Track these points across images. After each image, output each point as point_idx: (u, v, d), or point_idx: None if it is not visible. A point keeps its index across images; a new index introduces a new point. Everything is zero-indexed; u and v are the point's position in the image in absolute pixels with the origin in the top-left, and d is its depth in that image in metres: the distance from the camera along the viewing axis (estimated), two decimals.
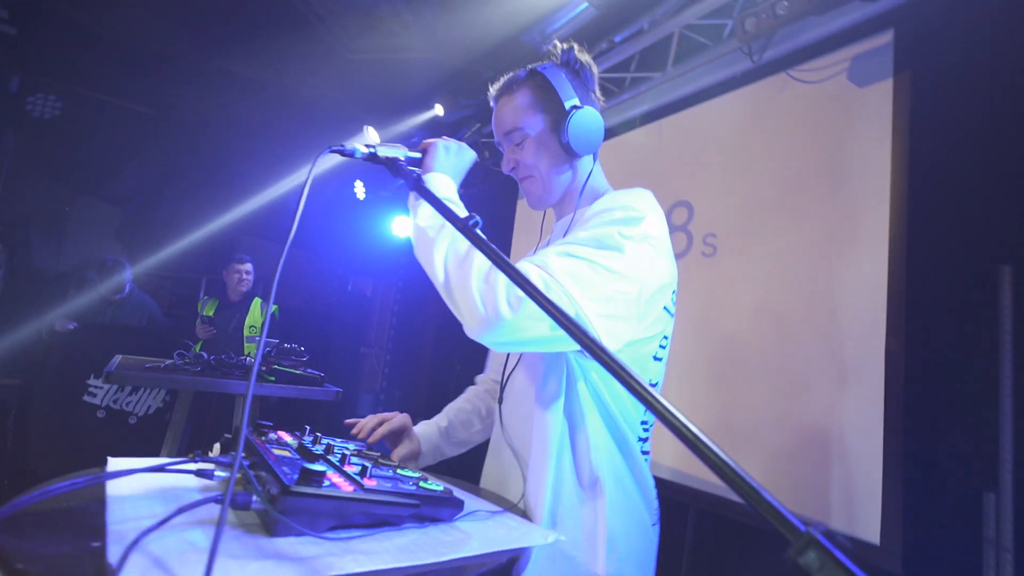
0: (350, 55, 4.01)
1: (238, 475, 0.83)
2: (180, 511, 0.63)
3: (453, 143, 1.03)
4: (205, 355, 2.42)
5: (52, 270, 5.24)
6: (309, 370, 2.42)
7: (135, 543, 0.54)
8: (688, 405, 2.34)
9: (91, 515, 0.68)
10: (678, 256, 2.55)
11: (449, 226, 0.90)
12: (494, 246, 0.69)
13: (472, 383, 1.36)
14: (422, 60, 3.81)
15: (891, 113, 1.98)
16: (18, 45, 3.39)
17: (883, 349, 1.86)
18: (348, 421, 1.20)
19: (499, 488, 1.02)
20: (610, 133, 3.07)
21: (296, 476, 0.69)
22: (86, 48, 3.68)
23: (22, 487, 0.68)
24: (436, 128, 3.62)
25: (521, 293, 0.76)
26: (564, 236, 1.01)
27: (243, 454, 0.86)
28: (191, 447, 1.56)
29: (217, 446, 1.03)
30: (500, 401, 1.09)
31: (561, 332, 0.80)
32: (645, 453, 0.99)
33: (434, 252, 0.89)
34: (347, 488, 0.71)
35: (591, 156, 1.10)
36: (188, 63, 3.97)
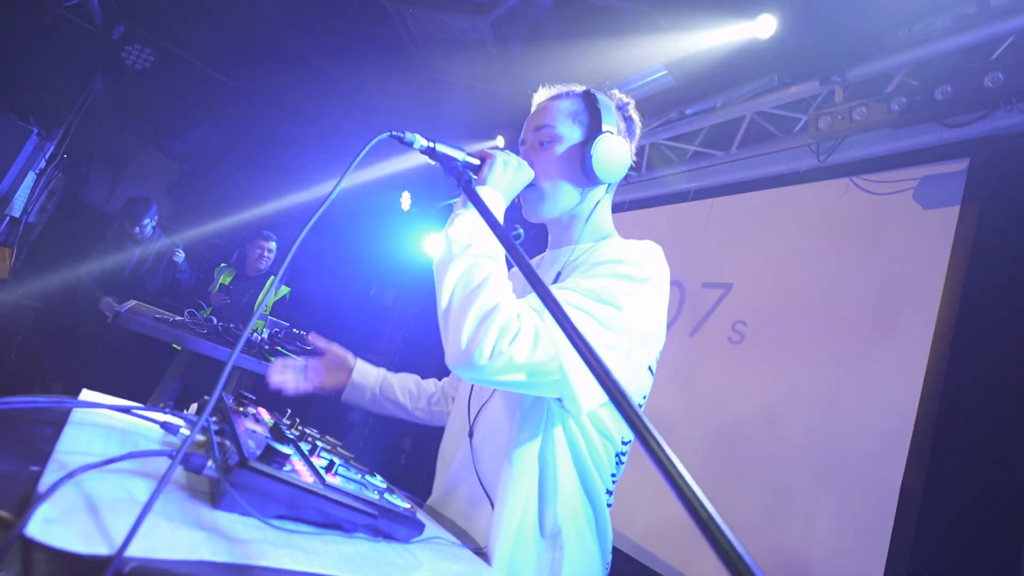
0: (429, 73, 4.15)
1: (202, 439, 0.79)
2: (129, 456, 0.59)
3: (513, 158, 1.00)
4: (215, 320, 2.43)
5: (101, 209, 5.42)
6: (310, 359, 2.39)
7: (70, 475, 0.51)
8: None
9: (44, 439, 0.65)
10: (704, 337, 2.48)
11: (472, 250, 0.88)
12: (540, 279, 0.65)
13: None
14: (495, 92, 3.92)
15: (952, 242, 1.91)
16: (136, 4, 3.61)
17: (899, 482, 1.74)
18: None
19: (464, 519, 0.96)
20: (660, 200, 3.06)
21: (259, 452, 0.65)
22: (190, 11, 3.91)
23: None
24: None
25: (505, 347, 0.78)
26: (561, 271, 1.02)
27: (214, 419, 0.83)
28: (177, 407, 1.53)
29: (194, 406, 1.00)
30: (471, 434, 1.02)
31: (538, 380, 0.81)
32: (609, 505, 0.96)
33: (449, 269, 0.87)
34: (307, 478, 0.66)
35: (604, 189, 1.08)
36: (277, 46, 4.17)
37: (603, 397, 0.86)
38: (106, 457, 0.61)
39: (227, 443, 0.71)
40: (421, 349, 5.22)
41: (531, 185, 1.03)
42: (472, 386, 1.07)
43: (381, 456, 5.07)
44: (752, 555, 0.39)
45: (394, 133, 0.91)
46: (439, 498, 1.06)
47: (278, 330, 2.59)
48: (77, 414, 0.74)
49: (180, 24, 4.05)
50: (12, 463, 0.57)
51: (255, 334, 2.57)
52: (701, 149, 2.69)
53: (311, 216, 0.85)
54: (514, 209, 1.06)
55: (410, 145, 0.93)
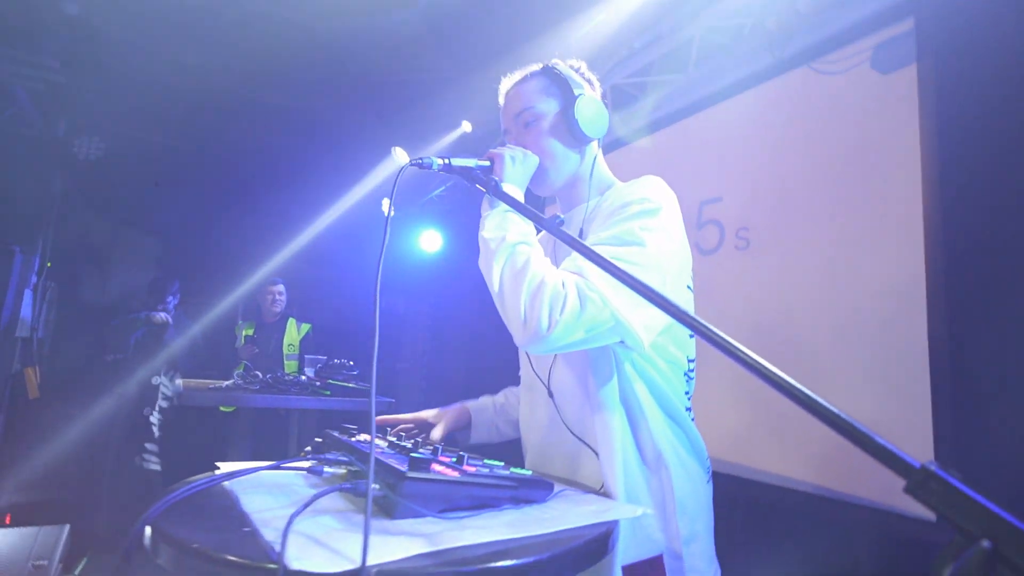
0: (372, 78, 4.15)
1: (343, 471, 0.90)
2: (315, 498, 0.70)
3: (518, 151, 1.08)
4: (259, 374, 2.53)
5: (100, 302, 5.47)
6: (360, 383, 2.51)
7: (289, 524, 0.61)
8: (727, 393, 2.36)
9: (227, 507, 0.77)
10: (712, 251, 2.59)
11: (507, 241, 0.98)
12: (585, 243, 0.76)
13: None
14: (444, 79, 3.93)
15: (917, 97, 2.00)
16: (66, 92, 3.60)
17: (925, 334, 1.87)
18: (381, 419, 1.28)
19: (570, 471, 1.07)
20: (636, 136, 3.13)
21: (407, 466, 0.76)
22: (124, 90, 3.88)
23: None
24: (465, 142, 3.71)
25: (559, 315, 0.88)
26: (581, 228, 1.10)
27: (339, 453, 0.94)
28: (255, 459, 1.65)
29: (309, 449, 1.11)
30: (551, 394, 1.12)
31: (597, 332, 0.90)
32: (692, 419, 1.07)
33: (493, 264, 0.98)
34: (452, 473, 0.78)
35: (596, 144, 1.17)
36: (217, 96, 4.14)
37: (658, 327, 0.97)
38: (284, 506, 0.73)
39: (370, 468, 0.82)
40: (445, 346, 5.35)
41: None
42: (530, 355, 1.17)
43: None
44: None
45: (413, 162, 0.99)
46: (537, 462, 1.17)
47: (319, 365, 2.70)
48: (238, 482, 0.86)
49: (118, 104, 4.02)
50: (226, 530, 0.68)
51: (300, 376, 2.67)
52: (659, 78, 2.76)
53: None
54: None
55: (429, 167, 1.01)
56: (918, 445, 1.82)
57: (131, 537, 0.67)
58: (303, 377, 2.63)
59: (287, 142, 4.48)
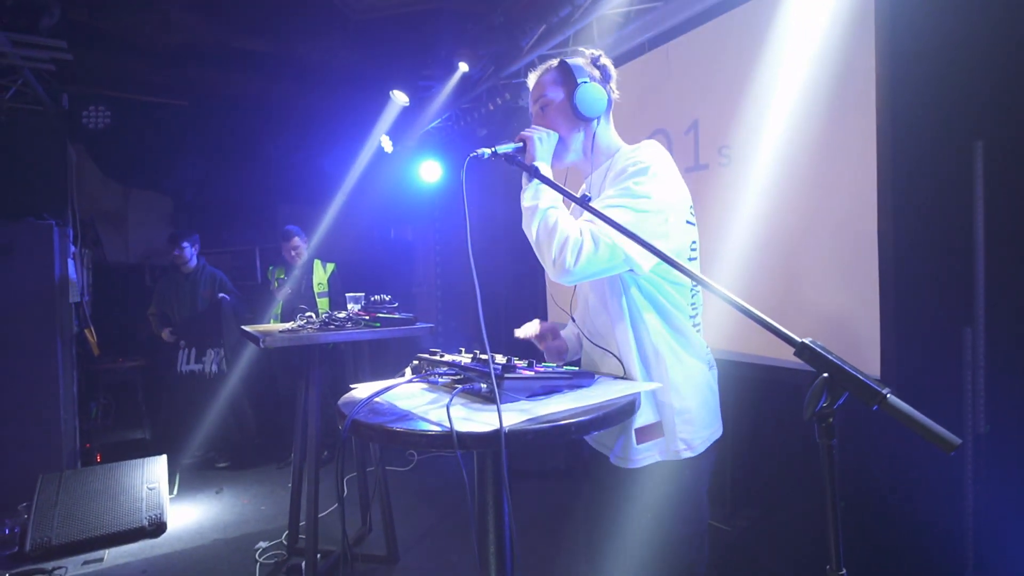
0: (358, 16, 4.19)
1: (450, 380, 1.31)
2: (456, 393, 1.12)
3: (543, 132, 1.38)
4: (314, 316, 2.92)
5: (125, 262, 5.80)
6: (402, 313, 2.91)
7: (448, 410, 1.02)
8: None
9: (390, 408, 1.18)
10: (699, 169, 2.91)
11: (540, 206, 1.31)
12: (604, 214, 1.12)
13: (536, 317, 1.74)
14: (428, 11, 4.00)
15: (874, 15, 2.24)
16: (70, 67, 3.70)
17: (876, 230, 2.23)
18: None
19: (597, 367, 1.48)
20: (621, 60, 3.32)
21: (500, 370, 1.17)
22: (124, 57, 3.97)
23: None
24: (464, 81, 3.86)
25: (580, 256, 1.22)
26: (600, 188, 1.42)
27: (446, 368, 1.34)
28: (328, 393, 2.06)
29: (408, 370, 1.51)
30: (573, 319, 1.52)
31: (610, 265, 1.27)
32: (696, 326, 1.43)
33: (531, 224, 1.32)
34: (530, 373, 1.19)
35: (598, 121, 1.44)
36: (212, 51, 4.21)
37: (654, 258, 1.34)
38: (423, 405, 1.14)
39: (473, 375, 1.23)
40: (456, 269, 5.74)
41: None
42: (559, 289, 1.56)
43: None
44: (786, 324, 0.88)
45: (471, 156, 1.30)
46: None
47: (362, 302, 3.08)
48: (383, 395, 1.26)
49: (120, 71, 4.11)
50: (404, 419, 1.09)
51: (345, 313, 3.04)
52: (643, 6, 2.91)
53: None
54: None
55: (482, 157, 1.32)
56: (869, 317, 2.26)
57: (345, 428, 1.09)
58: (348, 314, 3.01)
59: (280, 89, 4.59)
